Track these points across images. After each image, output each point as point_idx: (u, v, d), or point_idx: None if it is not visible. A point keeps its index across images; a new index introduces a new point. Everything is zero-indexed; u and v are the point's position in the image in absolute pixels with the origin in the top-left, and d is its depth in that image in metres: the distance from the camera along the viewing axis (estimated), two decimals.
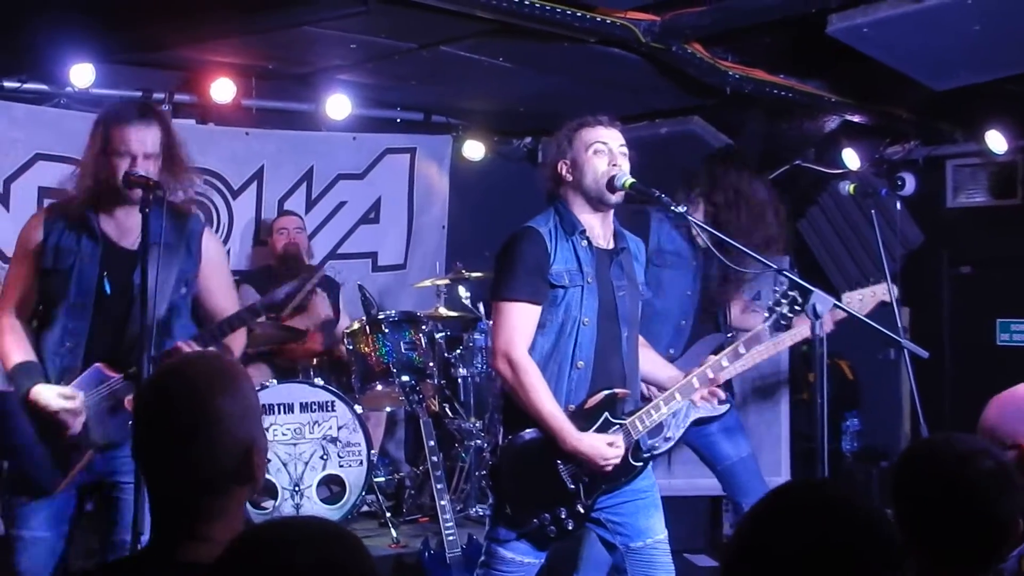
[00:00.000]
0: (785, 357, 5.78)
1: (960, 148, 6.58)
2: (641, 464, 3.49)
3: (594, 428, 3.38)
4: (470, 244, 6.71)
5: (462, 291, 6.05)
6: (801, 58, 5.15)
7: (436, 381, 5.73)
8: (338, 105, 6.12)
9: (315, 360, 5.88)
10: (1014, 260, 6.30)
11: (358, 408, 5.54)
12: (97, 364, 3.31)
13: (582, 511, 3.41)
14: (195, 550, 1.80)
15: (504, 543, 3.43)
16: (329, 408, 5.48)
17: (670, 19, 4.56)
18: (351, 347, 5.65)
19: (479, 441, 5.88)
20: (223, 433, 1.84)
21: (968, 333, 6.59)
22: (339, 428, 5.47)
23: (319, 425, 5.45)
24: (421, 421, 5.11)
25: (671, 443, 4.06)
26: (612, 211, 3.53)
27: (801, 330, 4.10)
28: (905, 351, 3.86)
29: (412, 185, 7.01)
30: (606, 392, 3.41)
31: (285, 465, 5.35)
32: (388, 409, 6.07)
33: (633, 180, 3.41)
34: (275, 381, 5.50)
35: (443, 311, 6.13)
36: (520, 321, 3.38)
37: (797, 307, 3.34)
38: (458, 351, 6.07)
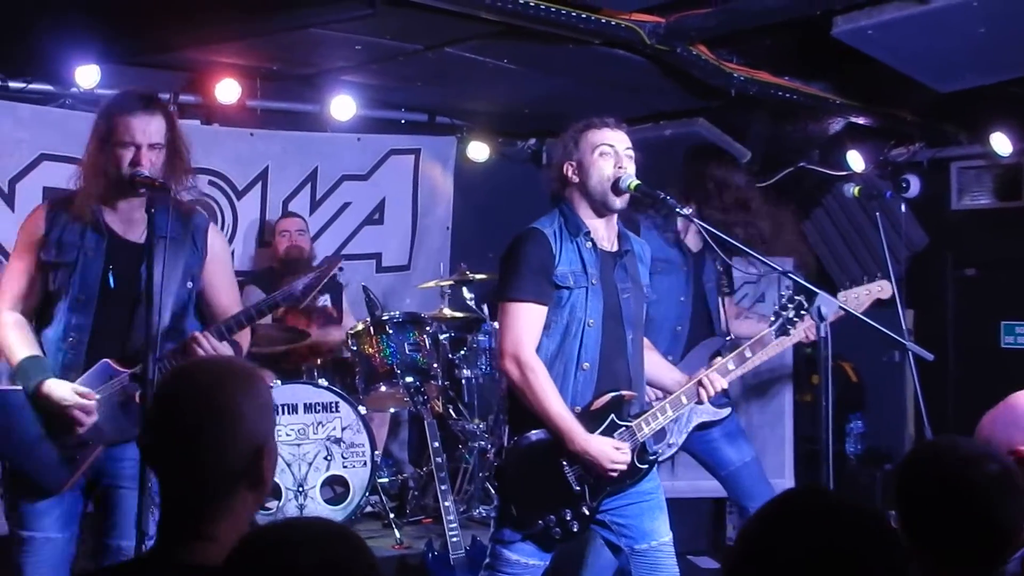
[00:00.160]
0: (789, 359, 5.78)
1: (965, 150, 6.58)
2: (646, 467, 3.48)
3: (600, 430, 3.38)
4: (474, 245, 6.71)
5: (466, 292, 6.04)
6: (806, 60, 5.15)
7: (440, 382, 5.74)
8: (342, 106, 6.12)
9: (319, 361, 5.88)
10: (1019, 262, 6.29)
11: (362, 409, 5.55)
12: (105, 359, 3.25)
13: (587, 513, 3.40)
14: (201, 551, 1.81)
15: (509, 544, 3.42)
16: (333, 409, 5.48)
17: (675, 21, 4.57)
18: (355, 348, 5.65)
19: (483, 442, 5.88)
20: (237, 432, 1.84)
21: (972, 335, 6.58)
22: (343, 429, 5.47)
23: (323, 426, 5.46)
24: (425, 422, 5.12)
25: (674, 448, 4.05)
26: (616, 214, 3.52)
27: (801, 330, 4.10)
28: (909, 353, 3.85)
29: (416, 186, 7.01)
30: (612, 394, 3.41)
31: (289, 466, 5.35)
32: (392, 410, 6.08)
33: (638, 182, 3.41)
34: (279, 382, 5.50)
35: (447, 312, 6.13)
36: (527, 321, 3.38)
37: (803, 311, 3.34)
38: (462, 352, 6.06)
